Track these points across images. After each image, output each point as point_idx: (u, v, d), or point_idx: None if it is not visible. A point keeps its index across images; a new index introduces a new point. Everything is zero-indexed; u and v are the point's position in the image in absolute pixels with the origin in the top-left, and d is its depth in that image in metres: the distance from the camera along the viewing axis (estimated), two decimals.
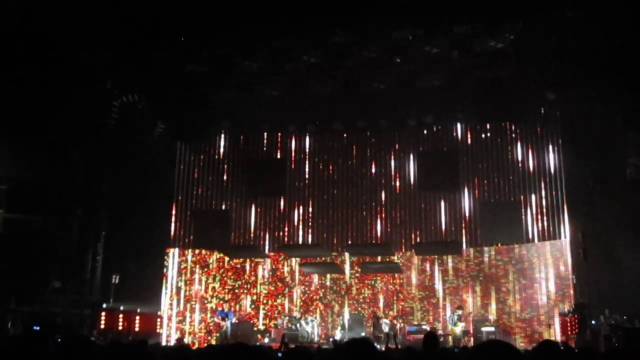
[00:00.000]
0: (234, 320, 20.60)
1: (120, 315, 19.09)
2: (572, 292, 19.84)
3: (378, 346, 17.80)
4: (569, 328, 18.23)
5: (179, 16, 16.99)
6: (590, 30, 16.93)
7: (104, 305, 19.08)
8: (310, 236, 23.73)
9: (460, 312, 20.04)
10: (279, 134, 24.35)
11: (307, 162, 24.28)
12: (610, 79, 17.55)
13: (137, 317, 19.76)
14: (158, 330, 21.20)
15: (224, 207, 23.87)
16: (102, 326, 18.35)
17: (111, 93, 20.08)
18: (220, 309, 21.34)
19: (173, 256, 22.93)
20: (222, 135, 24.22)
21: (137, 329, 19.43)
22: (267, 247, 23.68)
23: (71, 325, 18.00)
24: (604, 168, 18.64)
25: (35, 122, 18.15)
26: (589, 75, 18.10)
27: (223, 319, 20.32)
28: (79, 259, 19.82)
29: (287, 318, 21.63)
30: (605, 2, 16.02)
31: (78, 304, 18.91)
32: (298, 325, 20.73)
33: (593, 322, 17.28)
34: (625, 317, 17.20)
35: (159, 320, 21.46)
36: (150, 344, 10.42)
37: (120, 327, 18.86)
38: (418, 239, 22.89)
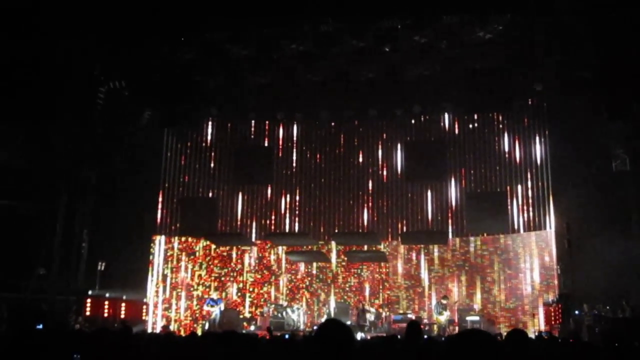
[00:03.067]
0: (222, 307, 20.62)
1: (106, 302, 19.05)
2: (556, 282, 20.01)
3: (363, 334, 17.91)
4: (552, 318, 18.40)
5: (167, 2, 16.87)
6: (577, 22, 16.98)
7: (90, 292, 19.02)
8: (297, 224, 23.77)
9: (445, 301, 20.13)
10: (267, 122, 24.32)
11: (294, 150, 24.27)
12: (597, 70, 17.62)
13: (123, 304, 19.72)
14: (144, 318, 21.21)
15: (210, 194, 23.83)
16: (88, 313, 18.31)
17: (98, 79, 19.91)
18: (209, 298, 21.32)
19: (159, 243, 22.91)
20: (210, 123, 24.14)
21: (122, 316, 19.39)
22: (253, 235, 23.69)
23: (56, 312, 17.92)
24: (590, 159, 18.73)
25: (21, 107, 17.99)
26: (576, 67, 18.17)
27: (212, 307, 20.33)
28: (65, 246, 19.73)
29: (273, 306, 21.68)
30: None
31: (63, 291, 18.84)
32: (284, 313, 20.78)
33: (576, 312, 17.42)
34: (608, 308, 17.36)
35: (144, 307, 21.45)
36: (135, 332, 10.41)
37: (105, 314, 18.83)
38: (404, 228, 22.99)
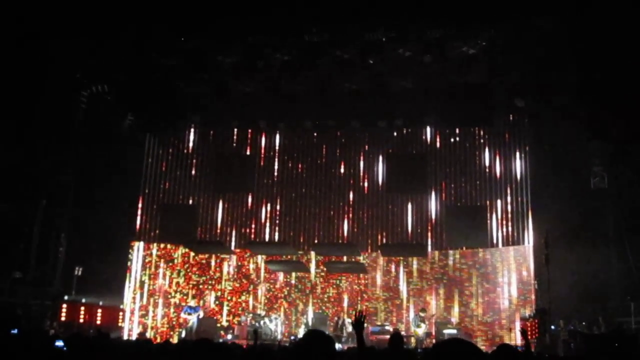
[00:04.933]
0: (201, 315, 20.50)
1: (82, 308, 18.85)
2: (533, 297, 20.14)
3: (340, 345, 17.89)
4: (529, 332, 18.47)
5: (153, 7, 16.81)
6: (560, 41, 17.17)
7: (66, 297, 18.81)
8: (277, 234, 23.71)
9: (423, 314, 20.16)
10: (249, 131, 24.31)
11: (276, 159, 24.25)
12: (578, 90, 17.83)
13: (99, 310, 19.54)
14: (120, 324, 21.02)
15: (191, 201, 23.74)
16: (63, 318, 18.10)
17: (80, 83, 19.78)
18: (187, 305, 21.14)
19: (138, 250, 22.77)
20: (192, 130, 24.07)
21: (98, 322, 19.21)
22: (233, 244, 23.60)
23: (31, 316, 17.70)
24: (569, 176, 18.90)
25: (1, 109, 17.80)
26: (557, 84, 18.37)
27: (190, 314, 20.19)
28: (41, 250, 19.51)
29: (250, 315, 21.59)
30: (574, 12, 16.24)
31: (39, 295, 18.61)
32: (262, 322, 20.68)
33: (553, 327, 17.51)
34: (584, 323, 17.49)
35: (121, 313, 21.27)
36: (111, 338, 10.31)
37: (81, 320, 18.62)
38: (384, 240, 23.04)
